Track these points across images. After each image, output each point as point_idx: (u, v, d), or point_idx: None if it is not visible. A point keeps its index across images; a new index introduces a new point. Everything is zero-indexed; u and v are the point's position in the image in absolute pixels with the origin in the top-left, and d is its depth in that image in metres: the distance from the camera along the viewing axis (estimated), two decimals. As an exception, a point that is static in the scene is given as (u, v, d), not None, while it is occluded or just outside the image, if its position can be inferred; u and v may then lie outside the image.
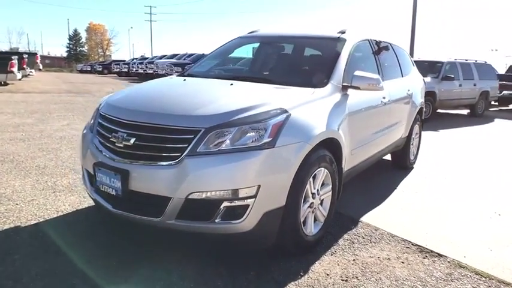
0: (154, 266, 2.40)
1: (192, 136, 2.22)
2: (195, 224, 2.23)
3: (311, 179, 2.53)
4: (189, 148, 2.20)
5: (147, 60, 26.44)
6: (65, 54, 78.32)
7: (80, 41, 78.20)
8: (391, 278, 2.42)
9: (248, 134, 2.23)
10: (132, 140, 2.32)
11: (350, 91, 3.09)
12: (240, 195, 2.17)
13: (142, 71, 25.27)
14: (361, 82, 3.02)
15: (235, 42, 4.09)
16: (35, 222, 2.99)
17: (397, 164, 5.04)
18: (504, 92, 13.39)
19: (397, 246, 2.86)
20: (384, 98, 3.73)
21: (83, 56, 75.45)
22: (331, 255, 2.68)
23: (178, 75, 3.77)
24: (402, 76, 4.65)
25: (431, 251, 2.78)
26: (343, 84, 3.05)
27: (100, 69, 41.06)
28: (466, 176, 4.92)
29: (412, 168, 5.16)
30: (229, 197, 2.17)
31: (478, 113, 11.88)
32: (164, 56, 26.57)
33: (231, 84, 2.91)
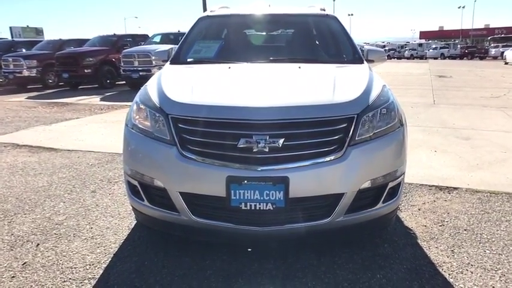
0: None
1: (346, 125, 2.10)
2: (362, 214, 2.18)
3: None
4: (349, 137, 2.08)
5: None
6: None
7: None
8: (460, 212, 2.98)
9: (385, 115, 2.27)
10: (281, 141, 1.99)
11: None
12: (397, 174, 2.25)
13: None
14: (374, 55, 3.34)
15: (206, 23, 3.65)
16: None
17: None
18: None
19: (423, 190, 3.46)
20: None
21: None
22: (400, 212, 3.04)
23: (171, 64, 3.11)
24: None
25: (447, 187, 3.50)
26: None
27: None
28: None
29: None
30: (392, 178, 2.21)
31: None
32: None
33: (299, 68, 2.74)
